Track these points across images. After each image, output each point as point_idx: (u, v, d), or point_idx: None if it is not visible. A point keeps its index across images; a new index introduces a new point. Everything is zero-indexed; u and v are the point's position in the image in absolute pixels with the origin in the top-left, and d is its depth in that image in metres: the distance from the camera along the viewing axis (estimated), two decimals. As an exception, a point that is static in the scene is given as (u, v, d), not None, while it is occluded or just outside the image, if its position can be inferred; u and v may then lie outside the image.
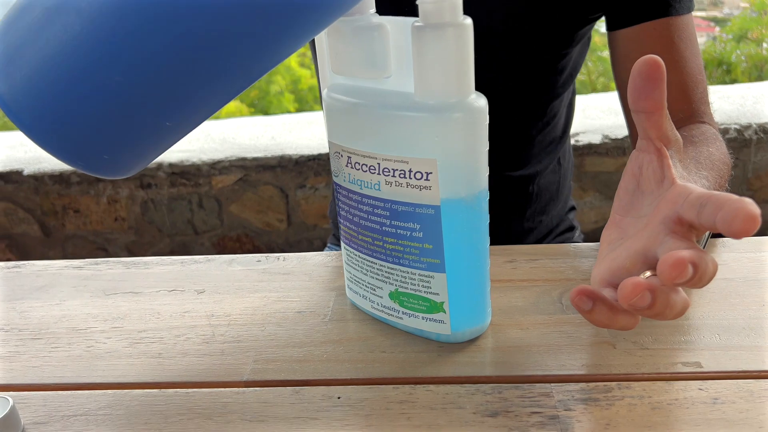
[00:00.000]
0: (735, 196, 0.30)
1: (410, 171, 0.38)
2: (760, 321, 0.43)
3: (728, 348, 0.40)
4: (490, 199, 0.39)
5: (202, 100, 0.32)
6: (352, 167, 0.41)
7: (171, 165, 1.38)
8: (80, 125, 0.32)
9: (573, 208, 0.84)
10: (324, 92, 0.42)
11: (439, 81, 0.35)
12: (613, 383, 0.38)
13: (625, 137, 1.43)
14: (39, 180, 1.41)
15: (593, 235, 1.51)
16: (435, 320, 0.42)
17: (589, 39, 0.73)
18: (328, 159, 1.40)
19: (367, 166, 0.39)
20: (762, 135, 1.42)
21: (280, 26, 0.31)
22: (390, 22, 0.38)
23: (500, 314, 0.45)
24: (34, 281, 0.56)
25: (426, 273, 0.40)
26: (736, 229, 0.29)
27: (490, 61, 0.68)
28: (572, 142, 1.46)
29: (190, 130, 0.35)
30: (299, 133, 1.51)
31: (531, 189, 0.76)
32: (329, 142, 0.43)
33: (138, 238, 1.48)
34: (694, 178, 0.50)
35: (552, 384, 0.38)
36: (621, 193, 0.40)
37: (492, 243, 0.42)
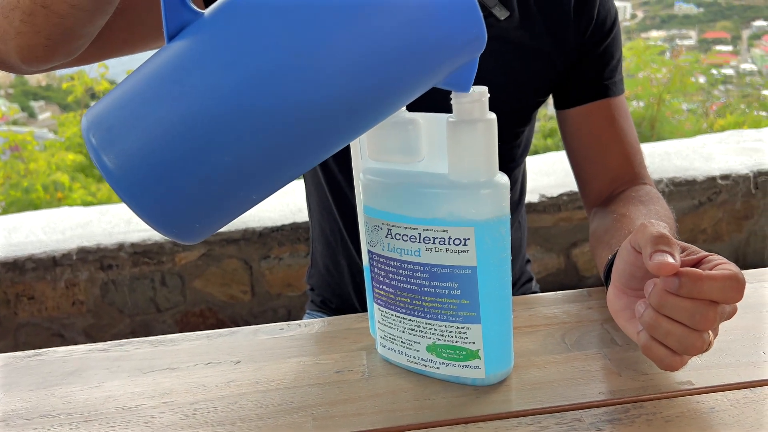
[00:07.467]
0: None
1: (449, 238, 0.45)
2: (728, 344, 0.52)
3: (710, 367, 0.49)
4: None
5: (286, 179, 0.38)
6: (392, 238, 0.47)
7: (133, 245, 1.39)
8: (184, 199, 0.35)
9: (529, 261, 0.95)
10: (360, 174, 0.49)
11: (472, 165, 0.43)
12: (629, 404, 0.45)
13: (560, 195, 1.57)
14: (-11, 268, 1.37)
15: (540, 284, 1.62)
16: (471, 367, 0.48)
17: (536, 116, 0.85)
18: (292, 230, 1.46)
19: (408, 236, 0.46)
20: (672, 187, 1.61)
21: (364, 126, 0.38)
22: (420, 116, 0.46)
23: (517, 357, 0.52)
24: (62, 367, 0.57)
25: (463, 325, 0.47)
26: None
27: None
28: (514, 200, 1.59)
29: (262, 201, 0.40)
30: (261, 206, 1.55)
31: None
32: (366, 217, 0.49)
33: (96, 321, 1.45)
34: None
35: (580, 411, 0.45)
36: (620, 266, 0.49)
37: None
